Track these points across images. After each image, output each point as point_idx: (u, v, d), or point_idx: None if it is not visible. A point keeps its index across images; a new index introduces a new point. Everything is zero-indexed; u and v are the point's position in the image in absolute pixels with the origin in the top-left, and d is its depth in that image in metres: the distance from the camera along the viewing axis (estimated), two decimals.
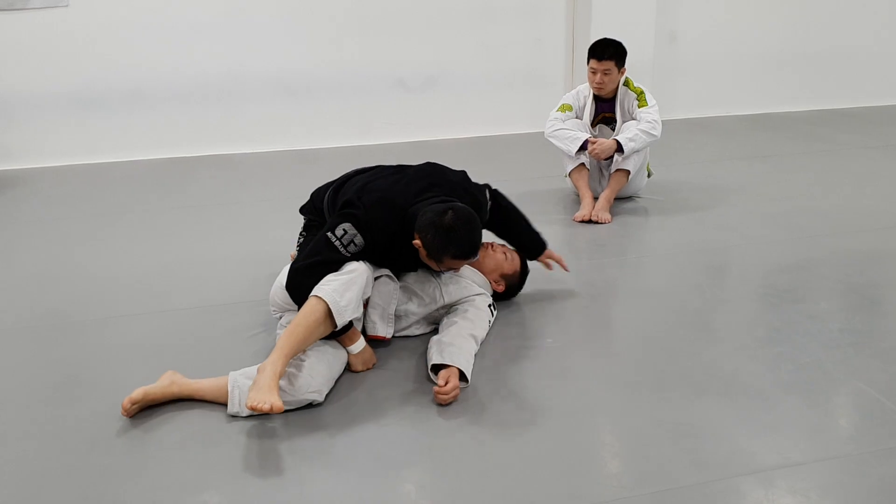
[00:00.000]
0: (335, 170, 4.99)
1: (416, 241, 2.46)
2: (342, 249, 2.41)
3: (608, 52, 3.88)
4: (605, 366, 2.51)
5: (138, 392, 2.20)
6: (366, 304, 2.56)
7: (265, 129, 5.73)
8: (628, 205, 4.21)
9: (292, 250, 3.11)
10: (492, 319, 2.70)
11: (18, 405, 2.34)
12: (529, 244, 3.00)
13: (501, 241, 3.00)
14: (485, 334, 2.63)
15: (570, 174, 4.14)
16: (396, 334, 2.67)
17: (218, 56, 5.52)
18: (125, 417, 2.22)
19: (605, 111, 4.09)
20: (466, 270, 2.77)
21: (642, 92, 3.99)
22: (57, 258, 3.59)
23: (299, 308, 2.37)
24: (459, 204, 2.49)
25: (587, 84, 4.07)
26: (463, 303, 2.68)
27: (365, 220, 2.45)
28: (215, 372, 2.36)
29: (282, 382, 2.20)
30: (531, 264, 3.03)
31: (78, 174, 5.18)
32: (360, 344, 2.44)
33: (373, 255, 2.50)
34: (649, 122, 3.91)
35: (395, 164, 2.88)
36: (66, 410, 2.29)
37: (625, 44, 3.94)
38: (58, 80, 5.30)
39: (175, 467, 2.02)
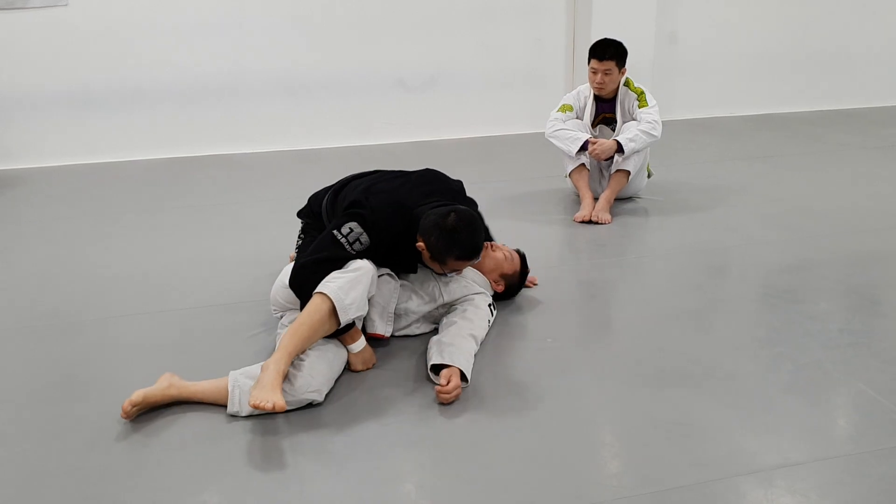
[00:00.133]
0: (335, 170, 5.02)
1: (420, 244, 2.50)
2: (348, 247, 2.43)
3: (609, 52, 3.88)
4: (605, 366, 2.51)
5: (138, 395, 2.19)
6: None
7: (265, 129, 5.73)
8: (628, 205, 4.21)
9: (292, 251, 3.12)
10: (491, 319, 2.70)
11: (18, 405, 2.34)
12: None
13: (502, 241, 3.01)
14: (484, 334, 2.63)
15: (570, 174, 4.14)
16: (396, 333, 2.68)
17: (218, 56, 5.52)
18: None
19: (605, 111, 4.09)
20: (467, 270, 2.77)
21: (643, 92, 3.99)
22: (56, 258, 3.59)
23: (302, 305, 2.38)
24: (462, 207, 2.55)
25: (588, 84, 4.07)
26: (463, 302, 2.69)
27: (372, 220, 2.48)
28: (216, 372, 2.36)
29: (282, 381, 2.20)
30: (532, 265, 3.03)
31: (77, 174, 5.18)
32: (360, 343, 2.45)
33: (376, 254, 2.50)
34: (650, 122, 3.91)
35: (394, 164, 2.89)
36: (66, 410, 2.29)
37: (625, 44, 3.94)
38: (57, 79, 5.30)
39: (175, 467, 2.02)
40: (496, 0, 5.89)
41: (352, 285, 2.32)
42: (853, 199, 4.25)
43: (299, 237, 3.02)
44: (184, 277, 3.32)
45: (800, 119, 6.45)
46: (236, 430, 2.17)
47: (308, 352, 2.32)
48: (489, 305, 2.71)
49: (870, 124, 6.20)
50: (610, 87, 3.97)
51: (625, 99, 4.02)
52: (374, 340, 2.61)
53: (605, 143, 3.92)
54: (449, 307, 2.70)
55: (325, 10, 5.62)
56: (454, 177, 2.89)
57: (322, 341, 2.38)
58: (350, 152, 5.64)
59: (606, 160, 4.05)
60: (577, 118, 4.11)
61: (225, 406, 2.25)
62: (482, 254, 2.73)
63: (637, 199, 4.29)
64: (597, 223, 3.91)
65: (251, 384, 2.22)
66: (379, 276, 2.59)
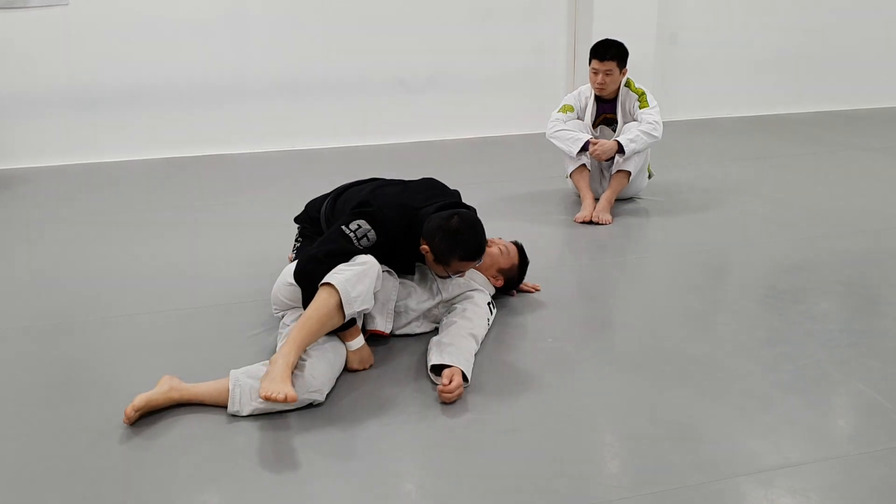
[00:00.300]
0: (335, 170, 5.04)
1: (424, 247, 2.53)
2: (355, 241, 2.46)
3: (610, 52, 3.88)
4: (605, 366, 2.51)
5: (140, 399, 2.19)
6: None
7: (265, 129, 5.73)
8: (629, 206, 4.21)
9: (291, 252, 3.11)
10: (491, 318, 2.70)
11: (18, 405, 2.34)
12: None
13: (498, 236, 3.00)
14: (485, 333, 2.63)
15: (571, 175, 4.14)
16: (397, 332, 2.68)
17: (218, 56, 5.52)
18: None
19: (606, 112, 4.09)
20: None
21: (644, 93, 4.00)
22: (56, 258, 3.59)
23: (305, 296, 2.39)
24: (464, 210, 2.61)
25: (588, 85, 4.07)
26: (462, 301, 2.69)
27: (380, 217, 2.52)
28: (216, 372, 2.36)
29: None
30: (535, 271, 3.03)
31: (77, 174, 5.18)
32: (358, 341, 2.45)
33: (379, 253, 2.52)
34: (650, 123, 3.91)
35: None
36: (66, 410, 2.29)
37: (626, 45, 3.94)
38: (57, 79, 5.31)
39: (175, 467, 2.02)
40: (496, 0, 5.90)
41: (359, 278, 2.33)
42: (854, 199, 4.25)
43: (297, 240, 3.04)
44: (184, 277, 3.31)
45: (800, 120, 6.46)
46: (237, 429, 2.17)
47: (309, 352, 2.32)
48: (488, 304, 2.71)
49: (870, 125, 6.21)
50: (611, 88, 3.97)
51: (626, 99, 4.02)
52: (375, 338, 2.61)
53: (605, 144, 3.92)
54: (449, 305, 2.70)
55: (326, 10, 5.62)
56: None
57: (322, 341, 2.38)
58: (350, 152, 5.65)
59: (607, 161, 4.05)
60: (577, 119, 4.11)
61: (225, 407, 2.24)
62: None
63: (638, 200, 4.29)
64: (597, 224, 3.91)
65: (252, 383, 2.22)
66: None
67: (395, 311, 2.64)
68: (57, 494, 1.93)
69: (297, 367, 2.27)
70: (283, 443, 2.12)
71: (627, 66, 3.96)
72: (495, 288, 2.92)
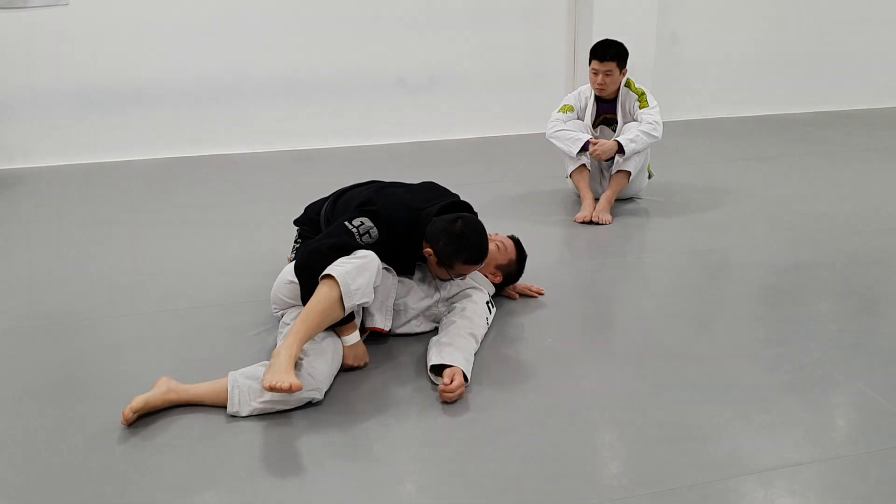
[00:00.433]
0: (335, 170, 5.04)
1: (428, 250, 2.57)
2: (357, 237, 2.48)
3: (610, 52, 3.88)
4: (605, 366, 2.51)
5: (138, 401, 2.19)
6: None
7: (265, 128, 5.74)
8: (629, 206, 4.21)
9: (290, 253, 3.11)
10: (490, 317, 2.71)
11: (18, 405, 2.34)
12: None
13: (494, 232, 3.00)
14: (484, 332, 2.63)
15: (570, 175, 4.14)
16: (396, 331, 2.68)
17: (218, 56, 5.53)
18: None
19: (606, 112, 4.09)
20: None
21: (644, 93, 4.00)
22: (56, 258, 3.59)
23: (304, 288, 2.39)
24: (467, 214, 2.64)
25: (589, 85, 4.07)
26: (461, 299, 2.69)
27: (384, 216, 2.55)
28: (216, 372, 2.36)
29: None
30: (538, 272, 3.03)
31: (77, 174, 5.19)
32: (354, 336, 2.45)
33: (380, 251, 2.52)
34: (650, 123, 3.91)
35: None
36: (66, 411, 2.29)
37: (626, 45, 3.94)
38: (57, 79, 5.31)
39: (175, 467, 2.02)
40: (496, 0, 5.90)
41: (359, 271, 2.34)
42: (854, 200, 4.25)
43: (296, 242, 3.04)
44: (184, 277, 3.32)
45: (800, 120, 6.46)
46: (236, 430, 2.17)
47: (307, 350, 2.32)
48: (487, 303, 2.71)
49: (870, 126, 6.21)
50: (611, 88, 3.97)
51: (626, 100, 4.02)
52: (374, 337, 2.61)
53: (605, 144, 3.93)
54: (448, 303, 2.71)
55: (326, 10, 5.62)
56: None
57: (320, 338, 2.38)
58: (350, 152, 5.65)
59: (607, 161, 4.05)
60: (577, 119, 4.11)
61: (224, 407, 2.25)
62: None
63: (638, 200, 4.29)
64: (597, 224, 3.91)
65: (250, 384, 2.23)
66: None
67: (394, 310, 2.65)
68: (57, 494, 1.93)
69: (295, 365, 2.27)
70: (282, 443, 2.12)
71: (627, 67, 3.96)
72: (494, 285, 2.92)
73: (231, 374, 2.28)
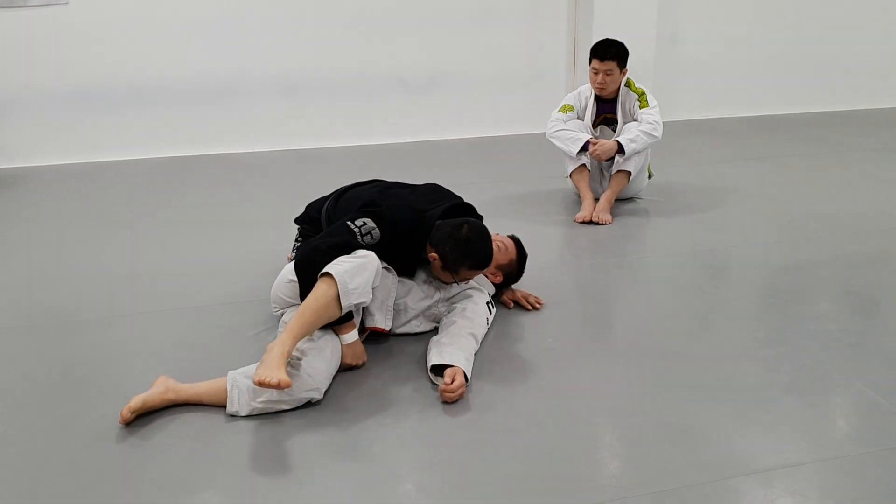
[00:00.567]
0: (335, 170, 5.04)
1: (433, 255, 2.57)
2: (359, 237, 2.48)
3: (610, 52, 3.88)
4: (605, 366, 2.51)
5: (136, 401, 2.19)
6: None
7: (265, 128, 5.74)
8: (629, 206, 4.21)
9: (290, 252, 3.11)
10: (490, 317, 2.70)
11: (18, 404, 2.34)
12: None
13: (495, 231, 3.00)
14: (484, 333, 2.63)
15: (570, 175, 4.14)
16: (397, 331, 2.68)
17: (218, 55, 5.53)
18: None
19: (606, 112, 4.09)
20: None
21: (644, 93, 3.99)
22: (56, 257, 3.59)
23: (303, 286, 2.39)
24: (472, 219, 2.65)
25: (589, 85, 4.07)
26: (461, 300, 2.69)
27: (387, 217, 2.56)
28: (216, 371, 2.36)
29: None
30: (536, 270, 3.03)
31: (77, 173, 5.18)
32: (352, 335, 2.45)
33: (381, 253, 2.52)
34: (650, 123, 3.91)
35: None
36: (66, 410, 2.29)
37: (626, 44, 3.94)
38: (57, 78, 5.31)
39: (174, 467, 2.02)
40: (496, 0, 5.90)
41: (357, 271, 2.33)
42: (853, 200, 4.25)
43: (296, 241, 3.04)
44: (184, 277, 3.31)
45: (800, 120, 6.46)
46: (235, 429, 2.17)
47: (305, 350, 2.32)
48: (487, 303, 2.71)
49: (870, 126, 6.21)
50: (611, 88, 3.97)
51: (626, 99, 4.02)
52: (374, 336, 2.61)
53: (605, 144, 3.92)
54: (448, 303, 2.70)
55: (326, 10, 5.62)
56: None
57: (318, 338, 2.38)
58: (350, 152, 5.65)
59: (607, 161, 4.05)
60: (577, 118, 4.11)
61: (223, 406, 2.24)
62: None
63: (638, 200, 4.29)
64: (597, 224, 3.91)
65: (250, 384, 2.22)
66: None
67: (394, 309, 2.65)
68: (56, 494, 1.93)
69: (294, 365, 2.27)
70: (281, 442, 2.12)
71: (627, 66, 3.95)
72: (494, 285, 2.92)
73: (230, 373, 2.28)
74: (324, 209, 2.88)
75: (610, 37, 3.96)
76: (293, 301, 2.53)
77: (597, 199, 4.05)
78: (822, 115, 6.64)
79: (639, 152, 3.95)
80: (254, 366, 2.30)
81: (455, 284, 2.72)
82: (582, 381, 2.42)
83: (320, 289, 2.31)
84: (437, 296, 2.70)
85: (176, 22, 5.39)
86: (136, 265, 3.46)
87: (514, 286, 2.99)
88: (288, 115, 5.75)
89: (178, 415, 2.24)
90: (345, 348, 2.44)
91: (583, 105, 4.11)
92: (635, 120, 3.99)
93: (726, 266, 3.41)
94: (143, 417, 2.21)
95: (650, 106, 3.96)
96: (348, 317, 2.41)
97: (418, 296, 2.69)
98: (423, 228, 2.61)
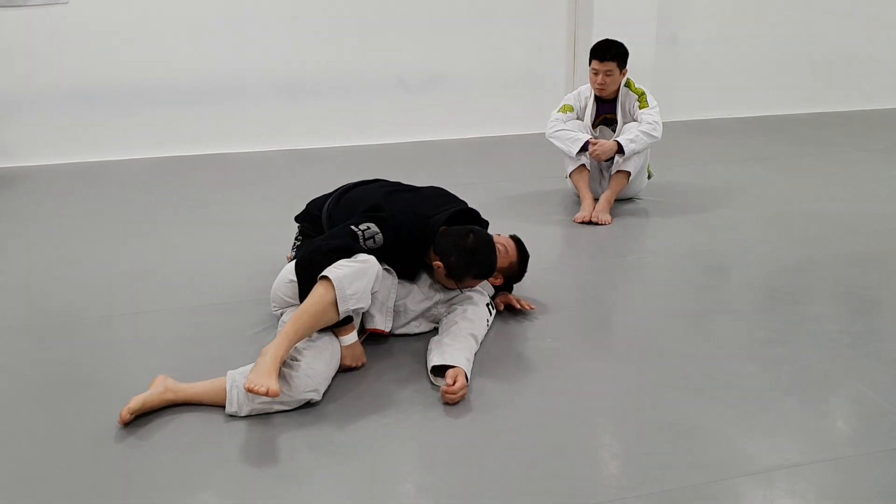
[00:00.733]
0: (335, 170, 5.04)
1: (437, 263, 2.57)
2: (361, 241, 2.48)
3: (610, 52, 3.88)
4: (605, 367, 2.51)
5: (136, 401, 2.19)
6: None
7: (265, 128, 5.73)
8: (628, 206, 4.21)
9: (290, 251, 3.11)
10: (490, 318, 2.70)
11: (17, 404, 2.34)
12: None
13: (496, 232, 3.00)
14: (484, 334, 2.63)
15: (570, 175, 4.14)
16: (396, 331, 2.68)
17: (218, 55, 5.52)
18: None
19: (606, 112, 4.09)
20: None
21: (643, 93, 3.99)
22: (56, 257, 3.59)
23: (302, 288, 2.38)
24: (477, 227, 2.66)
25: (588, 85, 4.07)
26: (462, 301, 2.69)
27: (392, 223, 2.56)
28: (215, 371, 2.35)
29: (279, 383, 2.19)
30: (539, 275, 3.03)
31: (77, 172, 5.18)
32: (352, 337, 2.45)
33: (383, 257, 2.53)
34: (650, 123, 3.91)
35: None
36: (66, 410, 2.29)
37: (626, 45, 3.94)
38: (57, 77, 5.30)
39: (174, 467, 2.02)
40: (497, 0, 5.90)
41: (356, 276, 2.33)
42: (853, 200, 4.25)
43: (296, 239, 3.03)
44: (183, 276, 3.31)
45: (800, 121, 6.46)
46: (235, 429, 2.17)
47: (304, 351, 2.32)
48: (487, 305, 2.71)
49: (870, 126, 6.21)
50: (611, 88, 3.97)
51: (625, 100, 4.02)
52: (374, 337, 2.61)
53: (605, 144, 3.92)
54: (448, 305, 2.70)
55: (325, 9, 5.62)
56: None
57: (317, 339, 2.37)
58: (350, 152, 5.65)
59: (607, 161, 4.05)
60: (577, 119, 4.11)
61: (222, 406, 2.24)
62: None
63: (637, 200, 4.29)
64: (597, 224, 3.90)
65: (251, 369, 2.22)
66: None
67: (394, 311, 2.65)
68: (55, 493, 1.93)
69: (293, 366, 2.27)
70: (281, 443, 2.11)
71: (627, 67, 3.95)
72: (494, 287, 2.92)
73: (229, 373, 2.27)
74: (325, 207, 2.87)
75: (610, 37, 3.96)
76: (293, 301, 2.53)
77: (596, 200, 4.05)
78: (822, 115, 6.64)
79: (638, 152, 3.95)
80: (252, 366, 2.30)
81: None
82: (582, 381, 2.42)
83: (318, 293, 2.31)
84: (437, 297, 2.70)
85: (176, 22, 5.39)
86: (135, 265, 3.45)
87: (514, 286, 2.99)
88: (288, 115, 5.75)
89: (177, 415, 2.23)
90: (344, 350, 2.44)
91: (582, 105, 4.11)
92: (635, 120, 3.98)
93: (726, 266, 3.41)
94: (142, 417, 2.21)
95: (650, 106, 3.96)
96: (347, 319, 2.41)
97: (418, 297, 2.69)
98: (427, 234, 2.61)
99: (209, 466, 2.01)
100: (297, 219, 3.04)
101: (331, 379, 2.36)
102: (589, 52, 3.96)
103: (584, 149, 3.97)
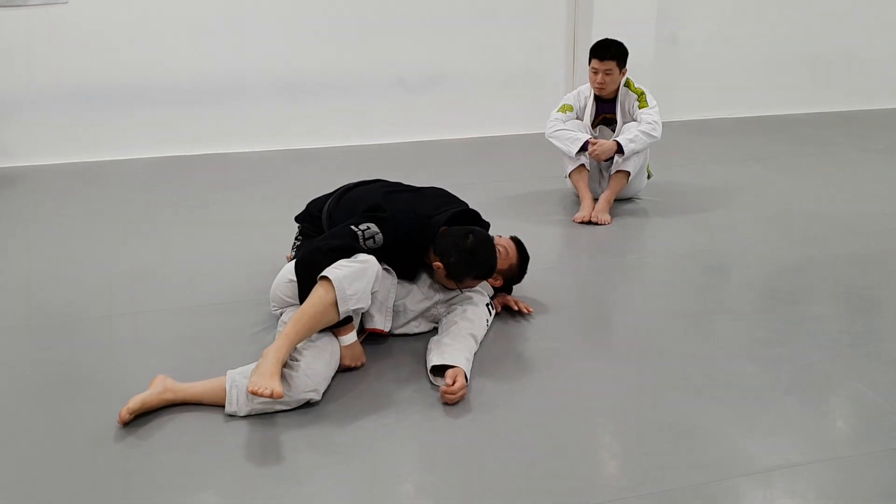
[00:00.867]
0: (335, 170, 5.04)
1: (437, 263, 2.57)
2: (361, 241, 2.48)
3: (610, 52, 3.88)
4: (604, 367, 2.51)
5: (135, 401, 2.19)
6: None
7: (265, 128, 5.73)
8: (628, 206, 4.21)
9: (290, 251, 3.11)
10: (490, 318, 2.70)
11: (16, 404, 2.34)
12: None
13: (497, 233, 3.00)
14: (484, 334, 2.63)
15: (570, 175, 4.14)
16: (396, 331, 2.68)
17: (218, 55, 5.52)
18: None
19: (605, 112, 4.09)
20: None
21: (643, 93, 3.99)
22: (55, 256, 3.59)
23: (302, 288, 2.38)
24: (477, 228, 2.65)
25: (588, 84, 4.07)
26: (461, 301, 2.69)
27: (392, 224, 2.56)
28: (215, 370, 2.35)
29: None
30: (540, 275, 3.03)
31: (76, 172, 5.18)
32: (351, 337, 2.45)
33: (383, 257, 2.52)
34: (650, 123, 3.91)
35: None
36: (66, 409, 2.29)
37: (626, 45, 3.94)
38: (57, 77, 5.30)
39: (174, 467, 2.02)
40: (496, 1, 5.90)
41: (356, 276, 2.33)
42: (853, 200, 4.25)
43: (296, 239, 3.03)
44: (182, 276, 3.31)
45: (799, 121, 6.46)
46: (234, 429, 2.17)
47: (304, 351, 2.32)
48: (486, 305, 2.71)
49: (870, 126, 6.21)
50: (610, 88, 3.97)
51: (625, 99, 4.02)
52: (373, 337, 2.61)
53: (605, 144, 3.92)
54: (448, 304, 2.70)
55: (325, 10, 5.62)
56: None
57: (317, 339, 2.37)
58: (350, 152, 5.65)
59: (606, 161, 4.05)
60: (577, 118, 4.11)
61: (221, 406, 2.24)
62: None
63: (637, 200, 4.29)
64: (596, 224, 3.90)
65: (252, 371, 2.22)
66: None
67: (393, 311, 2.65)
68: (55, 493, 1.93)
69: (292, 366, 2.27)
70: (280, 442, 2.11)
71: (627, 66, 3.95)
72: (494, 288, 2.92)
73: (229, 373, 2.28)
74: (325, 207, 2.87)
75: (609, 37, 3.96)
76: (292, 301, 2.53)
77: (596, 200, 4.05)
78: (822, 116, 6.64)
79: (638, 152, 3.95)
80: (252, 365, 2.30)
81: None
82: (582, 381, 2.42)
83: (318, 293, 2.31)
84: (437, 297, 2.70)
85: (176, 22, 5.39)
86: (135, 264, 3.45)
87: (514, 286, 2.99)
88: (288, 115, 5.75)
89: (176, 415, 2.23)
90: (344, 350, 2.44)
91: (582, 105, 4.11)
92: (634, 120, 3.98)
93: (726, 266, 3.41)
94: (141, 417, 2.21)
95: (649, 106, 3.96)
96: (347, 319, 2.41)
97: (418, 297, 2.69)
98: (427, 234, 2.61)
99: (209, 466, 2.01)
100: (297, 219, 3.04)
101: (330, 379, 2.36)
102: (588, 52, 3.96)
103: (583, 149, 3.97)
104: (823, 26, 6.60)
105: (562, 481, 1.94)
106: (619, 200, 4.19)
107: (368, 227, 2.51)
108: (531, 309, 2.88)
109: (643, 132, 3.89)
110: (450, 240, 2.56)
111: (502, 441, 2.11)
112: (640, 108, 3.96)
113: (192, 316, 2.92)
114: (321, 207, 2.90)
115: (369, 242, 2.49)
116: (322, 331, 2.39)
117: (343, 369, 2.46)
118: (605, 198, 4.01)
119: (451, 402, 2.28)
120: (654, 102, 3.99)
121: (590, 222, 3.92)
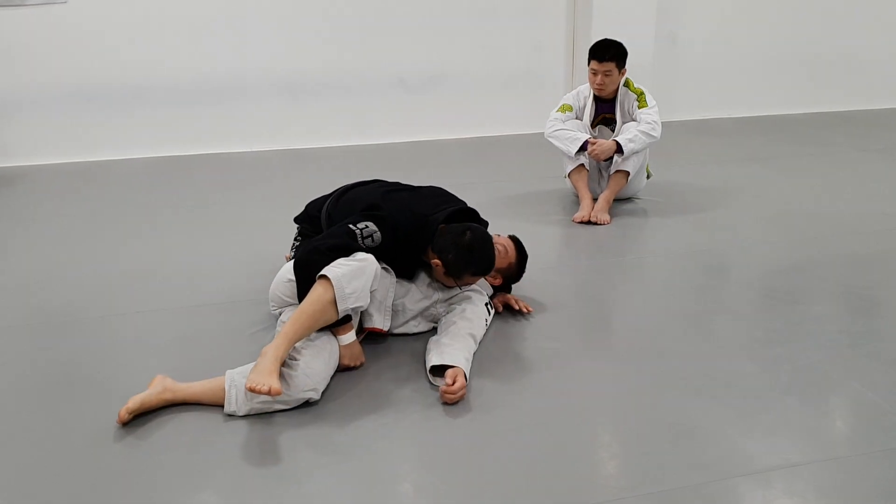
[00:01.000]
0: (335, 170, 5.04)
1: (436, 261, 2.57)
2: (360, 240, 2.48)
3: (609, 52, 3.88)
4: (604, 366, 2.51)
5: (134, 401, 2.19)
6: None
7: (265, 128, 5.73)
8: (627, 206, 4.21)
9: (289, 251, 3.11)
10: (489, 318, 2.70)
11: (16, 404, 2.34)
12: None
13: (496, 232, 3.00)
14: (483, 333, 2.63)
15: (569, 175, 4.14)
16: (395, 331, 2.68)
17: (217, 55, 5.52)
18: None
19: (605, 112, 4.09)
20: None
21: (642, 93, 3.99)
22: (55, 256, 3.59)
23: (301, 286, 2.38)
24: (475, 225, 2.66)
25: (587, 85, 4.07)
26: (460, 301, 2.69)
27: (390, 222, 2.56)
28: (214, 370, 2.35)
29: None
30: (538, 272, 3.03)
31: (76, 172, 5.18)
32: (350, 336, 2.45)
33: (381, 256, 2.52)
34: (649, 123, 3.91)
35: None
36: (65, 409, 2.29)
37: (625, 45, 3.94)
38: (56, 77, 5.31)
39: (173, 466, 2.02)
40: (496, 1, 5.90)
41: (355, 274, 2.33)
42: (852, 200, 4.25)
43: (295, 240, 3.04)
44: (182, 276, 3.31)
45: (799, 121, 6.46)
46: (234, 429, 2.17)
47: (303, 350, 2.32)
48: (486, 305, 2.71)
49: (869, 126, 6.21)
50: (610, 88, 3.97)
51: (624, 99, 4.02)
52: (373, 336, 2.61)
53: (604, 144, 3.92)
54: (447, 304, 2.70)
55: (326, 10, 5.62)
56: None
57: (316, 338, 2.37)
58: (350, 152, 5.65)
59: (606, 161, 4.05)
60: (576, 118, 4.11)
61: (221, 406, 2.24)
62: None
63: (636, 200, 4.29)
64: (596, 224, 3.90)
65: (250, 370, 2.22)
66: None
67: (392, 310, 2.65)
68: (55, 493, 1.93)
69: (291, 366, 2.27)
70: (280, 442, 2.11)
71: (626, 67, 3.95)
72: (493, 287, 2.91)
73: (228, 373, 2.28)
74: (324, 208, 2.87)
75: (609, 37, 3.96)
76: (291, 300, 2.53)
77: (595, 199, 4.05)
78: (822, 116, 6.65)
79: (637, 152, 3.95)
80: (251, 365, 2.30)
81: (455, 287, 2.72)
82: (582, 381, 2.42)
83: (317, 292, 2.31)
84: (436, 296, 2.70)
85: (176, 22, 5.39)
86: (135, 264, 3.45)
87: (513, 286, 2.99)
88: (288, 115, 5.75)
89: (175, 414, 2.23)
90: (343, 349, 2.44)
91: (581, 105, 4.11)
92: (634, 120, 3.98)
93: (725, 266, 3.41)
94: (140, 417, 2.21)
95: (649, 106, 3.96)
96: (346, 319, 2.41)
97: (417, 296, 2.69)
98: (425, 233, 2.62)
99: (208, 466, 2.01)
100: (296, 220, 3.04)
101: (329, 378, 2.36)
102: (588, 52, 3.96)
103: (582, 148, 3.97)
104: (823, 26, 6.60)
105: (562, 481, 1.94)
106: (619, 200, 4.19)
107: (367, 226, 2.51)
108: (531, 308, 2.88)
109: (642, 132, 3.89)
110: (448, 237, 2.56)
111: (502, 441, 2.11)
112: (639, 108, 3.96)
113: (191, 316, 2.92)
114: (320, 208, 2.90)
115: (367, 241, 2.49)
116: (321, 330, 2.38)
117: (342, 369, 2.46)
118: (604, 198, 4.01)
119: (451, 402, 2.28)
120: (654, 102, 3.99)
121: (589, 222, 3.92)
